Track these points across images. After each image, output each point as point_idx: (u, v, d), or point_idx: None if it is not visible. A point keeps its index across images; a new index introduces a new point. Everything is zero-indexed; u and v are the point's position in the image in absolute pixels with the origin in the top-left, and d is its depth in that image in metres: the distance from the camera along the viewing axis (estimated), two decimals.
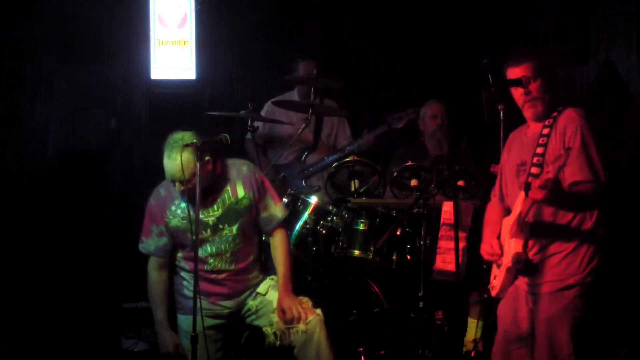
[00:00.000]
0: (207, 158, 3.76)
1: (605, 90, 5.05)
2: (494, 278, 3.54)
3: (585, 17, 5.30)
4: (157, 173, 4.12)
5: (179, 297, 4.03)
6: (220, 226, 3.94)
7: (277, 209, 4.10)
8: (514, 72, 3.45)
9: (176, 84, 5.94)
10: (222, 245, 3.95)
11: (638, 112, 4.85)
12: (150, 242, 3.99)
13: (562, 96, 3.57)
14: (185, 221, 3.88)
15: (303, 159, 5.57)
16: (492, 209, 3.70)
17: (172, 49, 5.83)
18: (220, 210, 3.94)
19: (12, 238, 5.62)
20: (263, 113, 5.51)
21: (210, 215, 3.93)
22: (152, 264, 4.02)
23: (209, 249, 3.94)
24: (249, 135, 5.51)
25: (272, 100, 5.47)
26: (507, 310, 3.56)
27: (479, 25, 6.25)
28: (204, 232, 3.91)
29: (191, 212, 3.84)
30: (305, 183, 5.44)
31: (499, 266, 3.50)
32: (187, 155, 3.71)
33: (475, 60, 4.77)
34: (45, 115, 5.94)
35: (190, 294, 3.80)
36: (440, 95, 5.52)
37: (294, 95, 5.69)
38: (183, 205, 3.89)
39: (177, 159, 3.73)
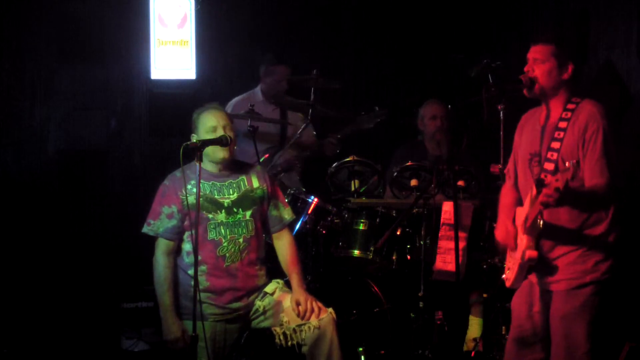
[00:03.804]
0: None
1: (605, 90, 5.05)
2: (508, 270, 3.53)
3: (585, 17, 5.30)
4: (157, 173, 4.13)
5: (186, 302, 3.93)
6: (235, 209, 3.99)
7: (285, 212, 4.21)
8: (532, 50, 3.45)
9: (176, 84, 5.94)
10: (236, 229, 3.98)
11: (638, 112, 4.85)
12: (159, 224, 3.97)
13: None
14: (201, 199, 3.88)
15: (272, 158, 5.51)
16: (506, 194, 3.67)
17: (172, 49, 5.83)
18: (235, 195, 4.02)
19: (12, 238, 5.62)
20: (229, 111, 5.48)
21: (225, 198, 4.00)
22: (161, 248, 3.98)
23: (223, 231, 3.96)
24: None
25: (273, 100, 5.47)
26: (521, 304, 3.54)
27: (480, 25, 6.25)
28: (218, 212, 3.96)
29: (207, 191, 3.93)
30: None
31: (513, 249, 3.48)
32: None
33: (475, 60, 4.78)
34: (45, 115, 5.94)
35: (199, 297, 3.76)
36: (440, 95, 5.52)
37: (258, 94, 5.67)
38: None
39: (219, 109, 4.05)
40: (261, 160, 5.21)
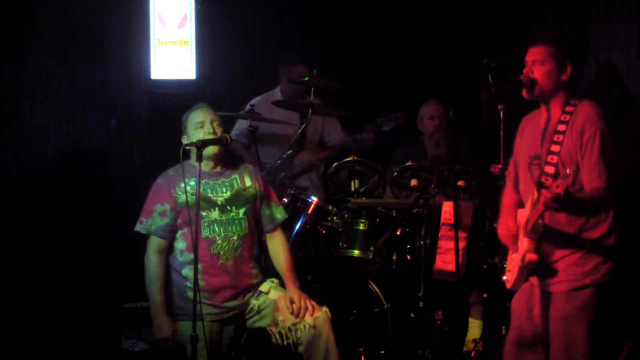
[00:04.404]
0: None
1: (605, 90, 5.05)
2: (508, 272, 3.53)
3: (585, 17, 5.30)
4: (157, 173, 4.13)
5: (181, 302, 3.95)
6: (228, 207, 4.01)
7: (277, 211, 4.23)
8: (530, 52, 3.44)
9: (176, 84, 5.93)
10: (230, 227, 3.98)
11: (638, 112, 4.85)
12: (151, 222, 3.97)
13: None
14: (194, 197, 3.87)
15: (292, 157, 5.52)
16: (508, 196, 3.68)
17: (172, 49, 5.83)
18: (228, 193, 4.03)
19: (12, 238, 5.62)
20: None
21: (219, 196, 4.01)
22: (153, 246, 3.98)
23: (217, 228, 3.96)
24: (233, 135, 5.51)
25: (272, 101, 5.46)
26: (521, 306, 3.54)
27: (479, 25, 6.24)
28: (212, 210, 3.97)
29: (201, 190, 3.90)
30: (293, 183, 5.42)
31: (514, 248, 3.48)
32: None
33: (475, 60, 4.78)
34: (45, 115, 5.93)
35: (199, 297, 3.74)
36: (440, 95, 5.51)
37: (277, 94, 5.67)
38: (192, 182, 3.94)
39: (206, 106, 4.12)
40: (288, 152, 5.27)
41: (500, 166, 4.32)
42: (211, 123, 4.02)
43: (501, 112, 4.32)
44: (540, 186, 3.13)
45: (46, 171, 5.92)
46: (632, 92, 4.91)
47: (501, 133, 4.32)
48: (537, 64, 3.41)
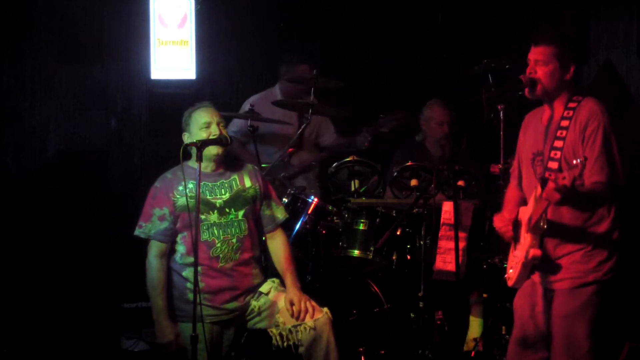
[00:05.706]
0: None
1: (605, 90, 5.05)
2: (510, 269, 3.53)
3: (585, 17, 5.30)
4: (157, 173, 4.12)
5: (181, 304, 3.94)
6: (227, 210, 3.98)
7: (278, 211, 4.20)
8: (533, 51, 3.44)
9: (176, 84, 5.93)
10: (229, 230, 3.96)
11: (638, 112, 4.85)
12: (150, 226, 3.95)
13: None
14: (193, 200, 3.84)
15: (288, 158, 5.51)
16: (511, 193, 3.69)
17: (172, 49, 5.83)
18: (227, 195, 4.00)
19: (12, 238, 5.62)
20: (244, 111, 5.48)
21: (217, 198, 3.98)
22: (153, 250, 3.96)
23: (215, 231, 3.94)
24: (230, 133, 5.51)
25: (272, 100, 5.46)
26: (524, 304, 3.55)
27: (479, 25, 6.25)
28: (211, 212, 3.94)
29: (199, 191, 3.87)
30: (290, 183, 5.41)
31: (515, 245, 3.47)
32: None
33: (475, 60, 4.78)
34: (45, 115, 5.93)
35: (198, 299, 3.72)
36: (439, 95, 5.51)
37: (276, 94, 5.66)
38: (191, 185, 3.91)
39: (211, 106, 4.05)
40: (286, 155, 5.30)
41: (500, 166, 4.32)
42: (217, 125, 3.98)
43: (501, 112, 4.33)
44: (544, 181, 3.13)
45: (46, 171, 5.92)
46: (632, 92, 4.91)
47: (501, 133, 4.33)
48: (540, 63, 3.40)
